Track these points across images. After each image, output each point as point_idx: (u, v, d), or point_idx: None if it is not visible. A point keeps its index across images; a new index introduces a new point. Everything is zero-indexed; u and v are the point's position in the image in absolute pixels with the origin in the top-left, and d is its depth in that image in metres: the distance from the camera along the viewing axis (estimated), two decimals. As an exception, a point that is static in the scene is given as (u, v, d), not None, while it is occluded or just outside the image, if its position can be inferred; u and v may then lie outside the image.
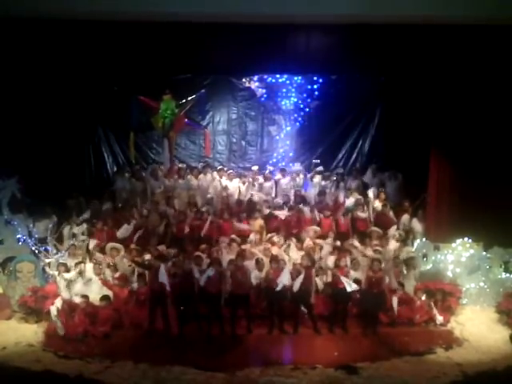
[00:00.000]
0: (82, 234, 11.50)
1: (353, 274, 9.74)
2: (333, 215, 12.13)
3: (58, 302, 9.25)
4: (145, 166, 14.99)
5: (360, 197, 12.89)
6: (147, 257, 10.33)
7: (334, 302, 9.41)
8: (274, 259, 9.60)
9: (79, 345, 8.67)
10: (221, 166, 14.52)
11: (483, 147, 11.23)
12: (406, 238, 11.61)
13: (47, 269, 10.30)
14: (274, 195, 13.41)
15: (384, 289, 9.39)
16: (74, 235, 11.38)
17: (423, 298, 9.77)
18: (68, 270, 10.05)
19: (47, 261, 10.50)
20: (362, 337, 9.09)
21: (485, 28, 10.28)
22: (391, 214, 12.45)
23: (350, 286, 9.10)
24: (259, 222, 11.76)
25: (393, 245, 11.09)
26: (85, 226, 11.67)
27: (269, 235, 11.35)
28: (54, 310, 9.12)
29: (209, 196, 13.09)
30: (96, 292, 9.70)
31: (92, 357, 8.19)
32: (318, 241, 11.15)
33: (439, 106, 11.66)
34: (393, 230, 11.73)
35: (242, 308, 9.21)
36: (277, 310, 9.27)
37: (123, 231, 11.54)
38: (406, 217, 12.31)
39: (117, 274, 10.28)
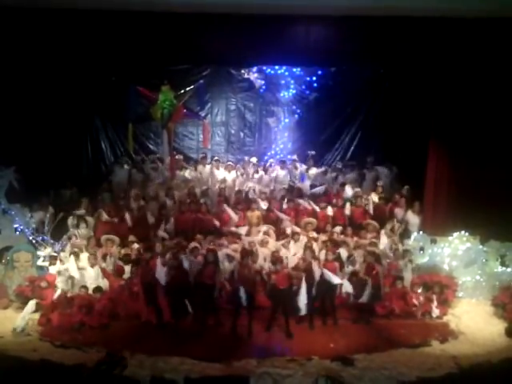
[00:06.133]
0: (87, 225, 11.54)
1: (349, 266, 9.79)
2: (328, 207, 12.13)
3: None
4: (144, 157, 14.96)
5: (358, 189, 12.90)
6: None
7: (320, 294, 9.33)
8: (278, 260, 9.31)
9: (76, 334, 8.69)
10: (217, 158, 14.47)
11: (481, 140, 11.25)
12: (402, 231, 11.63)
13: (40, 262, 10.33)
14: (272, 188, 13.40)
15: (379, 281, 9.38)
16: (77, 225, 11.40)
17: (419, 290, 9.83)
18: (60, 261, 10.11)
19: (41, 254, 10.53)
20: (355, 326, 9.16)
21: (483, 20, 10.28)
22: (386, 207, 12.45)
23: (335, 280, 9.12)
24: (256, 214, 11.77)
25: (384, 239, 11.07)
26: (86, 217, 11.68)
27: (265, 227, 11.37)
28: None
29: (204, 187, 13.08)
30: (90, 283, 9.76)
31: (89, 346, 8.19)
32: (314, 234, 11.17)
33: (438, 98, 11.67)
34: (389, 226, 11.72)
35: (248, 305, 8.96)
36: (282, 309, 9.01)
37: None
38: (398, 210, 12.29)
39: (111, 265, 10.31)
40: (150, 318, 9.17)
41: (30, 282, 9.87)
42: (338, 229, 11.43)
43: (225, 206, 11.98)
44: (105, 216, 11.63)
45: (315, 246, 10.50)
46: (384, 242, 10.94)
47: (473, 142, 11.31)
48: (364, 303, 9.38)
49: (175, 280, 9.21)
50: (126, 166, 14.27)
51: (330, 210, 12.09)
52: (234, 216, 11.72)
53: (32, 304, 9.29)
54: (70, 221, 11.51)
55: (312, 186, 13.35)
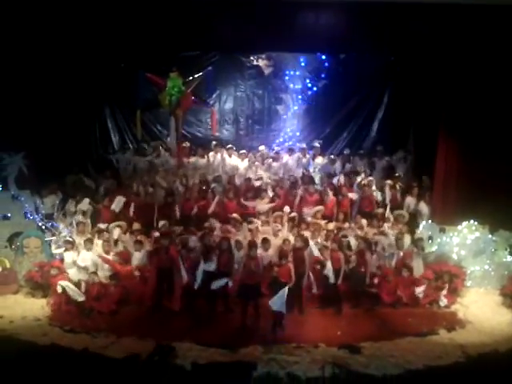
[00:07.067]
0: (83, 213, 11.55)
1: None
2: (336, 196, 12.12)
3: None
4: (148, 143, 14.96)
5: (371, 178, 12.85)
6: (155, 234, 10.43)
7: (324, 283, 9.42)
8: (284, 254, 9.10)
9: (85, 320, 8.79)
10: (230, 145, 14.38)
11: (492, 129, 11.15)
12: (413, 220, 11.61)
13: (53, 249, 10.37)
14: (281, 175, 13.37)
15: (367, 268, 9.48)
16: (83, 212, 11.39)
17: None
18: (74, 247, 10.13)
19: (53, 239, 10.58)
20: (362, 314, 9.20)
21: (496, 8, 10.16)
22: (398, 195, 12.41)
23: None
24: (265, 202, 11.76)
25: (385, 228, 11.04)
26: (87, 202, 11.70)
27: (275, 213, 11.37)
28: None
29: (216, 174, 13.07)
30: (105, 269, 9.81)
31: (98, 332, 8.28)
32: (321, 221, 11.14)
33: (449, 86, 11.56)
34: (394, 214, 11.69)
35: (254, 298, 8.82)
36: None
37: (117, 203, 11.55)
38: (410, 199, 12.23)
39: (118, 250, 10.32)
40: (161, 303, 9.21)
41: (40, 268, 9.96)
42: (364, 221, 11.35)
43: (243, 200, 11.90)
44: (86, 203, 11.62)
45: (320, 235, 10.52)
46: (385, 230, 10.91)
47: (483, 132, 11.22)
48: (359, 290, 9.46)
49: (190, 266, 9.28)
50: (130, 153, 14.24)
51: (354, 196, 12.23)
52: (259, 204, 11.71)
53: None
54: (72, 207, 11.56)
55: (329, 175, 13.30)
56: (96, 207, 11.69)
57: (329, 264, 9.34)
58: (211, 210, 11.59)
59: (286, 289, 8.31)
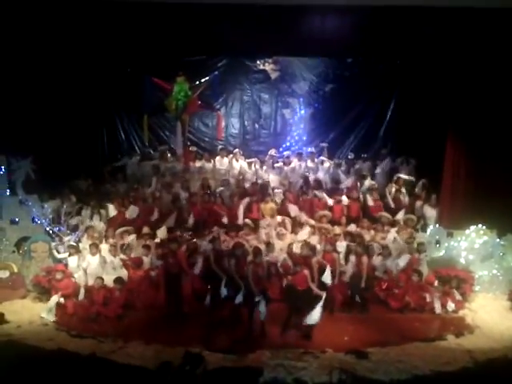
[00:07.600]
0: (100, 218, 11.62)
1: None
2: (343, 200, 12.11)
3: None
4: (154, 148, 14.96)
5: (373, 182, 12.83)
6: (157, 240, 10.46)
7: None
8: (299, 261, 9.01)
9: (92, 324, 8.80)
10: (237, 149, 14.34)
11: (500, 133, 11.10)
12: (418, 223, 11.57)
13: (55, 253, 10.42)
14: (291, 180, 13.36)
15: (362, 272, 9.40)
16: (91, 217, 11.46)
17: (436, 284, 9.79)
18: (79, 252, 10.15)
19: (55, 244, 10.64)
20: (369, 319, 9.16)
21: (502, 11, 10.12)
22: (406, 199, 12.39)
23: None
24: (270, 206, 11.76)
25: (392, 233, 11.04)
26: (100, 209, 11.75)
27: (280, 217, 11.37)
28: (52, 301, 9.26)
29: (224, 178, 13.07)
30: (110, 273, 9.83)
31: (105, 336, 8.28)
32: (327, 226, 11.13)
33: (456, 90, 11.52)
34: (400, 215, 11.68)
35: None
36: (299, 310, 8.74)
37: (131, 212, 11.62)
38: (419, 203, 12.21)
39: (132, 255, 10.36)
40: (170, 308, 9.21)
41: (47, 273, 9.98)
42: (353, 226, 11.38)
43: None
44: (112, 209, 11.73)
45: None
46: (391, 236, 10.92)
47: (490, 136, 11.17)
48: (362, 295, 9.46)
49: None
50: (137, 158, 14.29)
51: (345, 201, 12.14)
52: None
53: (54, 299, 9.34)
54: (84, 212, 11.60)
55: (334, 180, 13.28)
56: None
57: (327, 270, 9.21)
58: (240, 221, 11.51)
59: (322, 302, 8.32)
